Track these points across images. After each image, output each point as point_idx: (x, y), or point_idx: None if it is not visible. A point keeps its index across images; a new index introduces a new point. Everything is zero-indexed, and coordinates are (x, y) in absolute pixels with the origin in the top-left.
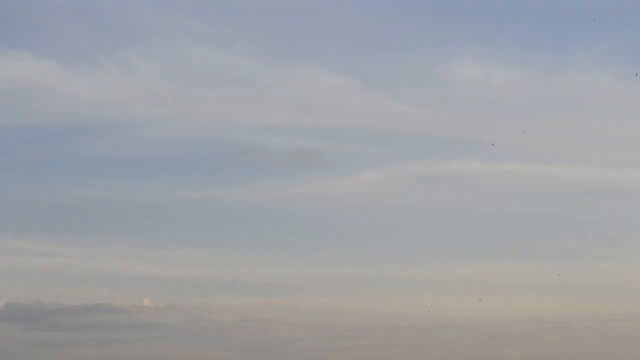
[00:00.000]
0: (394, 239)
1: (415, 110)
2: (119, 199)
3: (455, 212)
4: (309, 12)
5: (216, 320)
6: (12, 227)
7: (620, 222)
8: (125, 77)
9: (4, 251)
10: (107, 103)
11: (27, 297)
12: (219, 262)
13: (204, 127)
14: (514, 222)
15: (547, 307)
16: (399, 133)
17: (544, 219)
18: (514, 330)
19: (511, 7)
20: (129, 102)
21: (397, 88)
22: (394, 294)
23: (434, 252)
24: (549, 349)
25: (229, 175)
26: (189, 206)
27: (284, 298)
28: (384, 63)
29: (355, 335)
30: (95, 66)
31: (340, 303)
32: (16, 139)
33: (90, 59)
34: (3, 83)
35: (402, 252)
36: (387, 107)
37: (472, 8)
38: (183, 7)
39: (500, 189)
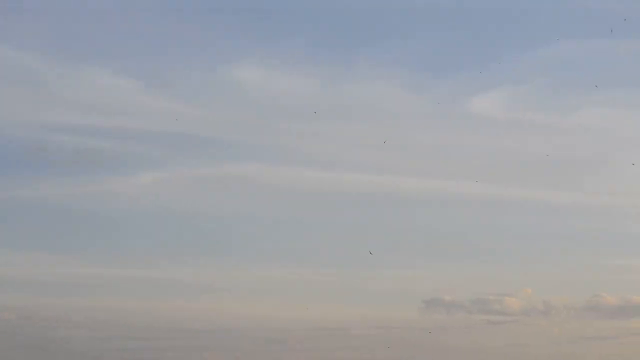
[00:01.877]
0: (175, 241)
1: (198, 113)
2: None
3: (236, 215)
4: (96, 12)
5: None
6: None
7: (400, 229)
8: None
9: None
10: None
11: None
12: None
13: None
14: (295, 227)
15: (327, 312)
16: (182, 135)
17: (324, 225)
18: (294, 336)
19: (299, 13)
20: None
21: (180, 90)
22: (174, 296)
23: (216, 256)
24: (327, 354)
25: (14, 174)
26: None
27: (65, 297)
28: (167, 64)
29: (134, 337)
30: None
31: (120, 304)
32: None
33: None
34: None
35: (184, 255)
36: (170, 109)
37: (258, 10)
38: None
39: (280, 193)
